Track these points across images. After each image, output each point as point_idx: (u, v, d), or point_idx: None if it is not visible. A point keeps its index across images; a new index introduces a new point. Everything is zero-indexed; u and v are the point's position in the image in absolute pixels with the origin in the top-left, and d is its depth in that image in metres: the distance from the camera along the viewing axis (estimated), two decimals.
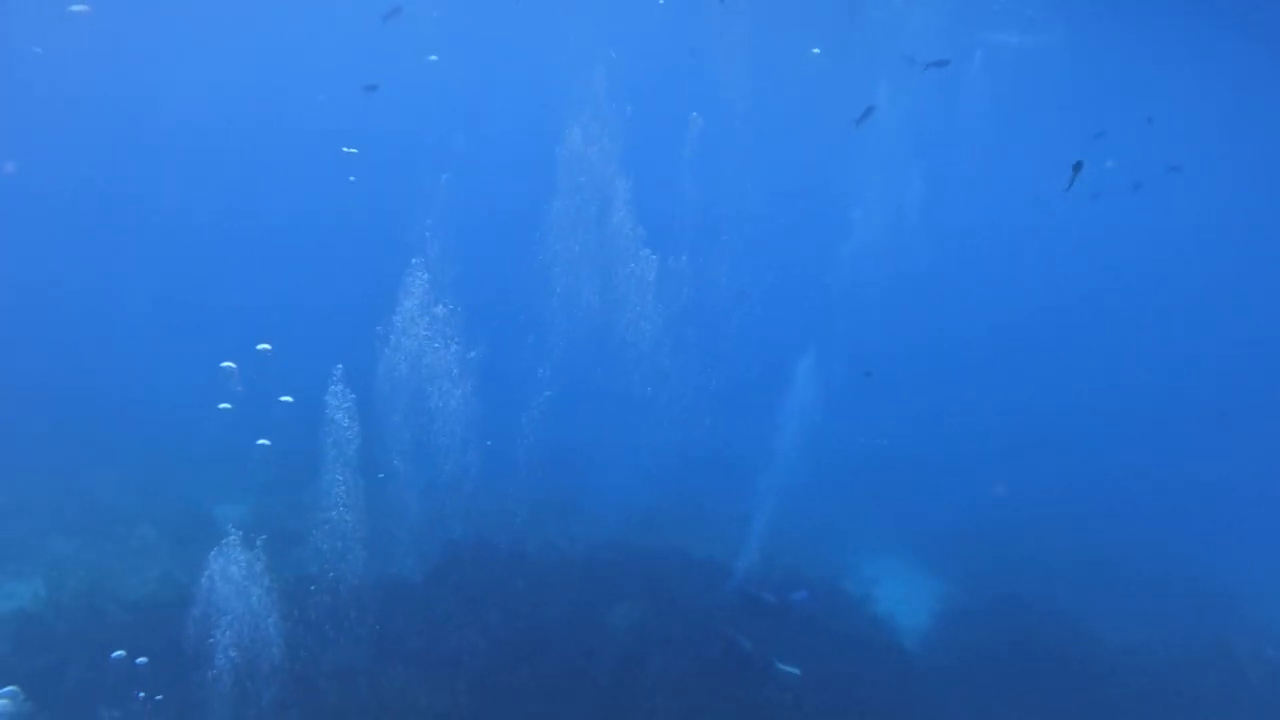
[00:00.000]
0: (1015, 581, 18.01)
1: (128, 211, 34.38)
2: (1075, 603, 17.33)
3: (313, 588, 12.69)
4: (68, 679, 11.12)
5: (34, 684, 10.79)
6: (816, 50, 30.09)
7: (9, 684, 10.64)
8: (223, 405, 13.77)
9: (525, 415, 15.61)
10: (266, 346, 13.99)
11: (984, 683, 13.73)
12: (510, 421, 15.96)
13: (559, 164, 17.51)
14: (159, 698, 10.80)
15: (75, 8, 16.59)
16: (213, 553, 12.05)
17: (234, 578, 12.40)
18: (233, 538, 12.02)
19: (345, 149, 16.41)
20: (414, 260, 13.74)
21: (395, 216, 19.15)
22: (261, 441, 14.34)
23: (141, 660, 11.66)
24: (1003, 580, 18.13)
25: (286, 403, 13.22)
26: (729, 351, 20.85)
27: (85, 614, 13.01)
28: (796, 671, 12.33)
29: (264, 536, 11.84)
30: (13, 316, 24.63)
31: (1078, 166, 10.71)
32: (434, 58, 17.74)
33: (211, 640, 11.67)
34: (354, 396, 12.44)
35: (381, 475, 13.78)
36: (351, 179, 20.63)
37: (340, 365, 12.48)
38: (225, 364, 13.74)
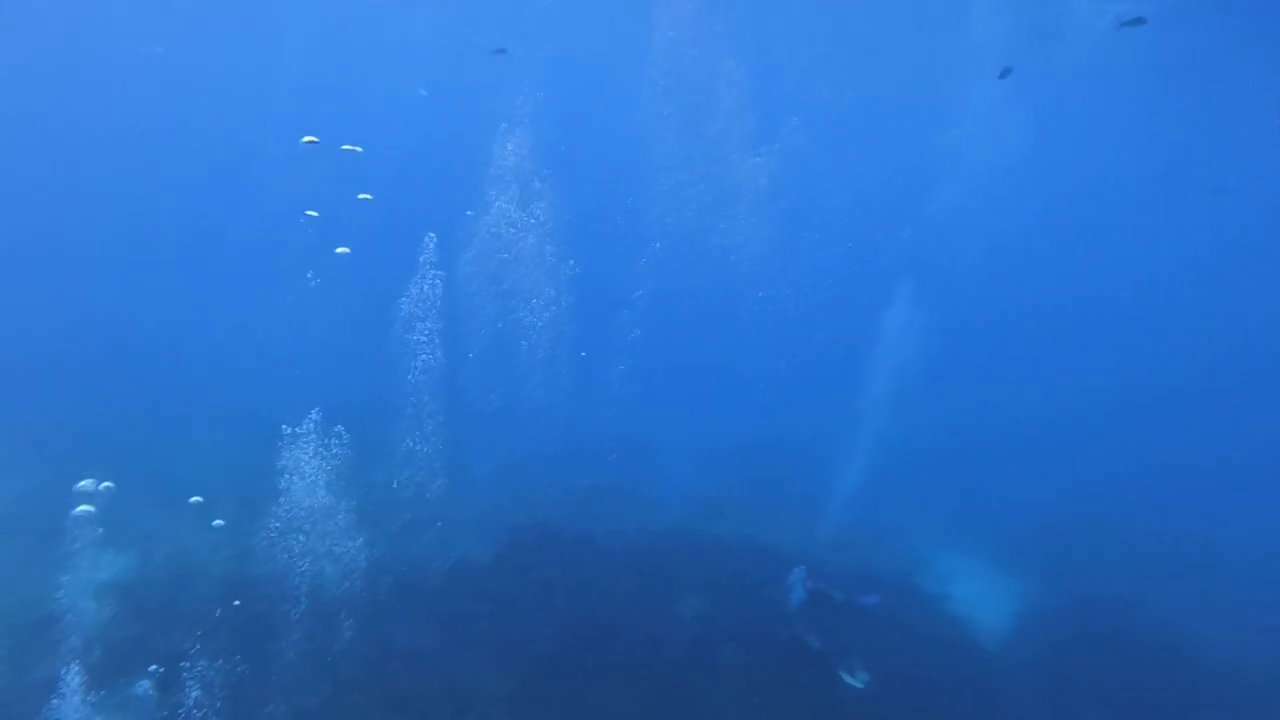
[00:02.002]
0: (1103, 581, 17.09)
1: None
2: (1170, 604, 16.33)
3: (382, 569, 12.87)
4: (157, 648, 11.42)
5: (124, 652, 11.27)
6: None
7: (98, 652, 11.11)
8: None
9: (594, 402, 15.48)
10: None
11: (1072, 689, 13.03)
12: (578, 409, 15.90)
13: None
14: (238, 669, 11.11)
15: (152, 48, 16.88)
16: (288, 532, 12.37)
17: (307, 557, 12.70)
18: (306, 517, 12.30)
19: (345, 147, 16.28)
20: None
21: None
22: (195, 499, 14.68)
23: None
24: (1090, 579, 17.22)
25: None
26: (802, 338, 20.33)
27: (172, 587, 13.46)
28: (860, 685, 11.83)
29: (339, 517, 12.09)
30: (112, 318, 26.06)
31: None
32: (424, 92, 17.31)
33: (286, 618, 11.97)
34: (426, 384, 12.57)
35: (449, 461, 13.83)
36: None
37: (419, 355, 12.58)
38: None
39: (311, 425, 12.32)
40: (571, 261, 16.54)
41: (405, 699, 11.09)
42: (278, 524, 12.54)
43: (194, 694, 10.84)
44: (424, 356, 13.87)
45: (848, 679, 11.81)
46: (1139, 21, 18.43)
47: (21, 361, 22.10)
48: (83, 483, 12.22)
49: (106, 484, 12.41)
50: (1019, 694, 12.77)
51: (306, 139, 15.90)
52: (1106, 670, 13.63)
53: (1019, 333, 31.64)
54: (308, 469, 12.22)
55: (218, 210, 36.26)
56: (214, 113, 37.82)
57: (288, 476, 12.07)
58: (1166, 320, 33.60)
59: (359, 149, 16.12)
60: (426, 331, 14.22)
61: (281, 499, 12.80)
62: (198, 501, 14.52)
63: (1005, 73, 19.28)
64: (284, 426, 12.36)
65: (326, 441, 12.51)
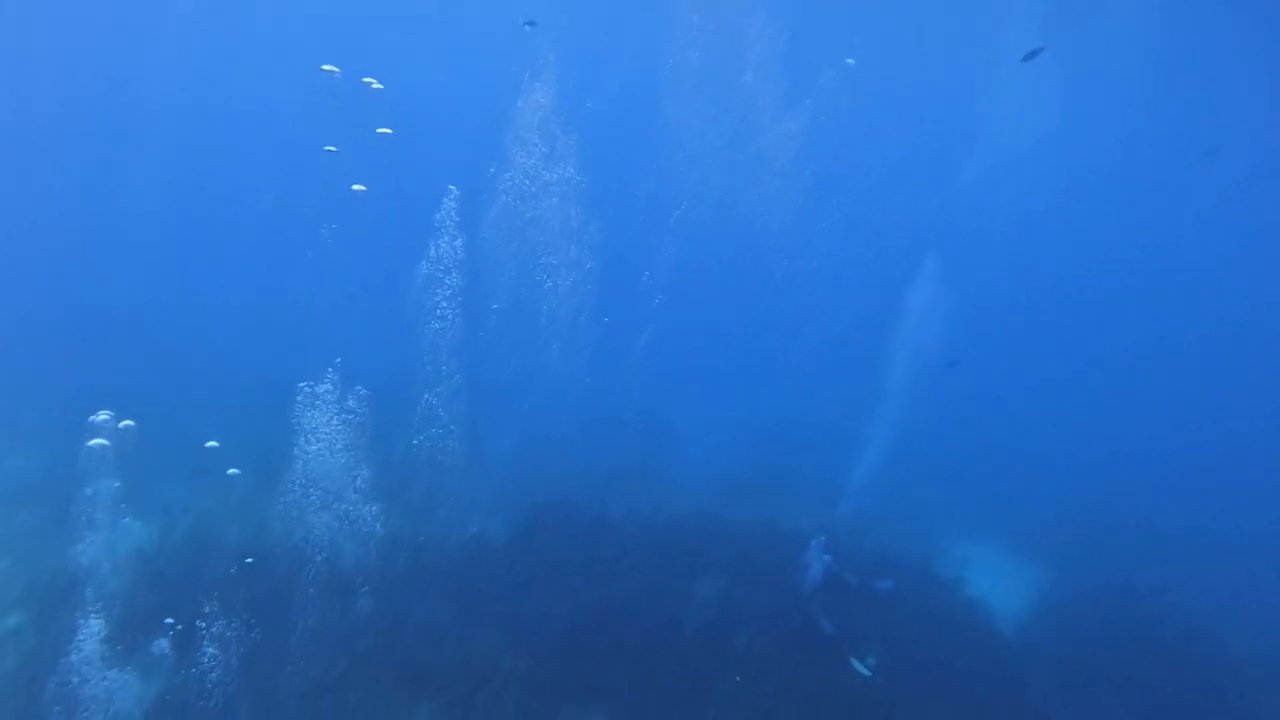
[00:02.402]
0: (1124, 571, 16.88)
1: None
2: (1191, 595, 16.13)
3: (400, 545, 12.90)
4: (175, 612, 11.52)
5: (143, 616, 11.38)
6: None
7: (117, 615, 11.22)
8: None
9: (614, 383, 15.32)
10: None
11: (1089, 678, 12.93)
12: (597, 389, 15.76)
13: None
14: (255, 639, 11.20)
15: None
16: (307, 506, 12.40)
17: (325, 531, 12.73)
18: (325, 493, 12.32)
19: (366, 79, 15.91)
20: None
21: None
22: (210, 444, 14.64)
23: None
24: (1109, 569, 17.01)
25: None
26: (822, 323, 20.07)
27: (191, 556, 13.56)
28: (867, 673, 11.75)
29: (356, 483, 12.10)
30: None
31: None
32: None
33: (304, 591, 12.04)
34: (447, 362, 12.49)
35: (469, 438, 13.79)
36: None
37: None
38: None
39: (330, 398, 12.32)
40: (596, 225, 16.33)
41: (420, 674, 11.15)
42: (295, 496, 12.60)
43: (210, 651, 10.93)
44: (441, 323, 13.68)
45: (857, 666, 11.75)
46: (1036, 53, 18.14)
47: (42, 332, 22.24)
48: (100, 415, 12.12)
49: (127, 422, 12.34)
50: (1035, 681, 12.70)
51: (326, 68, 15.66)
52: (1124, 659, 13.50)
53: (1050, 312, 30.98)
54: (327, 438, 12.25)
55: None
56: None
57: (306, 446, 12.10)
58: (1204, 306, 32.82)
59: (378, 85, 15.77)
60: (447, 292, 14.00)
61: (300, 470, 12.88)
62: (213, 446, 14.52)
63: (1031, 55, 18.42)
64: (303, 384, 12.36)
65: (345, 415, 12.51)
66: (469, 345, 14.02)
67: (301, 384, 12.21)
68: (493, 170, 15.35)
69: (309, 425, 12.25)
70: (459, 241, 14.10)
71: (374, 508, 12.94)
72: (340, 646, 11.56)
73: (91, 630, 10.55)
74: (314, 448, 12.38)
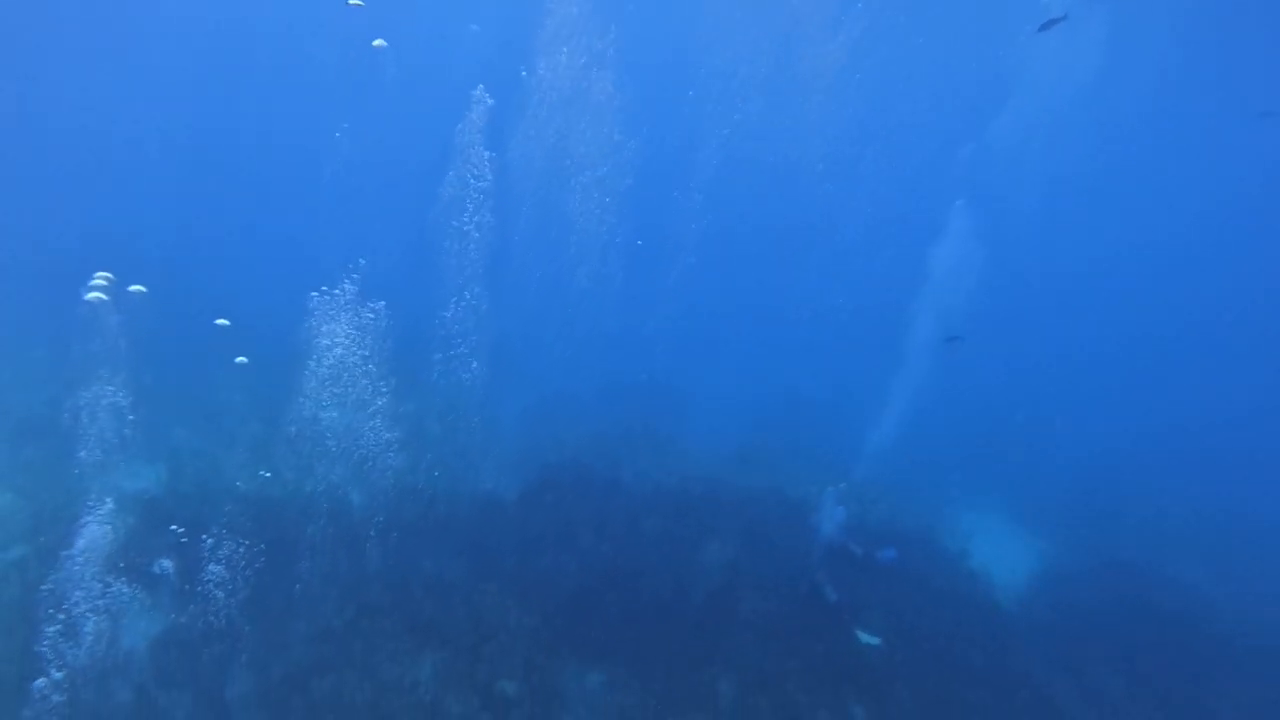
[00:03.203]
0: (1123, 546, 17.05)
1: None
2: (1190, 571, 16.33)
3: (411, 499, 12.89)
4: (185, 559, 11.56)
5: (150, 562, 11.42)
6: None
7: (123, 559, 11.22)
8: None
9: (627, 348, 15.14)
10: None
11: (1087, 649, 13.12)
12: (612, 353, 15.59)
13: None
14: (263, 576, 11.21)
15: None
16: (315, 457, 12.35)
17: (335, 484, 12.72)
18: (335, 445, 12.27)
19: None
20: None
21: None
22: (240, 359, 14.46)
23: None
24: (1109, 543, 17.18)
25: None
26: (839, 296, 19.77)
27: (198, 501, 13.55)
28: (876, 642, 11.86)
29: (364, 444, 12.04)
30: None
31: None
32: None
33: (309, 540, 12.06)
34: (469, 319, 12.32)
35: (481, 394, 13.69)
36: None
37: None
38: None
39: (343, 348, 12.19)
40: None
41: (428, 626, 11.21)
42: (308, 445, 12.55)
43: (217, 594, 11.00)
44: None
45: (864, 637, 11.86)
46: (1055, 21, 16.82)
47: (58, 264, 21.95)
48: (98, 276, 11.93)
49: (138, 288, 12.23)
50: (1032, 651, 12.87)
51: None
52: (1120, 632, 13.70)
53: (1065, 282, 30.47)
54: (340, 391, 12.17)
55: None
56: None
57: (320, 398, 12.02)
58: (1235, 283, 32.27)
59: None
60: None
61: (312, 419, 12.79)
62: (242, 361, 14.42)
63: (1048, 24, 17.21)
64: (326, 344, 12.20)
65: (361, 364, 12.40)
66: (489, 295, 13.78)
67: (324, 343, 12.06)
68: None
69: (325, 373, 12.15)
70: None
71: (387, 458, 12.92)
72: (348, 594, 11.63)
73: (96, 561, 10.55)
74: (328, 404, 12.32)
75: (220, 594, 11.14)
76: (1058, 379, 25.20)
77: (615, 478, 15.52)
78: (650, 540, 13.41)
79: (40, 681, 9.24)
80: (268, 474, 14.27)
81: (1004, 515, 17.93)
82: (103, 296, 11.76)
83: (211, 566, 11.15)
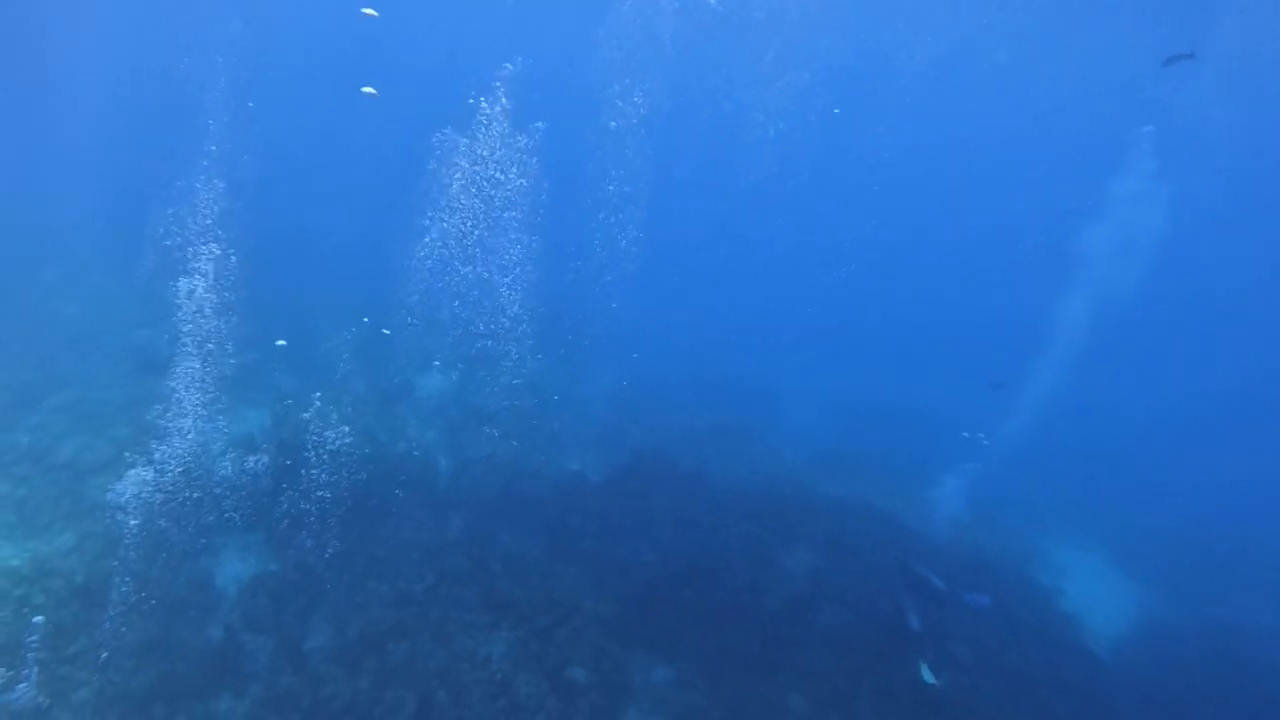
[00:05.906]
0: (1237, 605, 15.74)
1: None
2: None
3: (493, 473, 12.99)
4: (280, 506, 12.01)
5: (248, 507, 11.90)
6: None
7: (229, 498, 11.76)
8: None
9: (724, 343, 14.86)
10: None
11: (1185, 712, 12.18)
12: (708, 347, 15.31)
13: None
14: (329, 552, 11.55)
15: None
16: (408, 419, 12.57)
17: (422, 446, 12.92)
18: (426, 409, 12.47)
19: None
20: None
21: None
22: (280, 342, 14.66)
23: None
24: (1221, 600, 15.91)
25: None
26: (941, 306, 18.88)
27: (295, 451, 13.98)
28: (933, 681, 11.22)
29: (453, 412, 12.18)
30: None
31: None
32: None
33: (396, 501, 12.29)
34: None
35: (583, 375, 13.66)
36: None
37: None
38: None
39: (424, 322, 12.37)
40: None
41: (505, 601, 11.31)
42: (399, 412, 12.79)
43: (307, 542, 11.38)
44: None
45: (926, 674, 11.29)
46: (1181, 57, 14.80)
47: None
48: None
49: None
50: (1125, 705, 12.05)
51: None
52: (1225, 699, 12.65)
53: (1198, 315, 28.12)
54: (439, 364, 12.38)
55: None
56: None
57: (408, 369, 12.27)
58: None
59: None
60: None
61: (403, 389, 13.04)
62: (282, 345, 14.86)
63: (1173, 60, 15.35)
64: (409, 319, 12.42)
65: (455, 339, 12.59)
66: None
67: (409, 319, 12.28)
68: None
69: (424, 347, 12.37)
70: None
71: (475, 430, 13.07)
72: (429, 562, 11.85)
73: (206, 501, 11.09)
74: (425, 369, 12.54)
75: (310, 543, 11.56)
76: (1188, 410, 23.34)
77: (700, 471, 15.26)
78: (731, 539, 13.13)
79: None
80: (388, 331, 14.56)
81: (1105, 555, 16.81)
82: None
83: (306, 514, 11.55)
